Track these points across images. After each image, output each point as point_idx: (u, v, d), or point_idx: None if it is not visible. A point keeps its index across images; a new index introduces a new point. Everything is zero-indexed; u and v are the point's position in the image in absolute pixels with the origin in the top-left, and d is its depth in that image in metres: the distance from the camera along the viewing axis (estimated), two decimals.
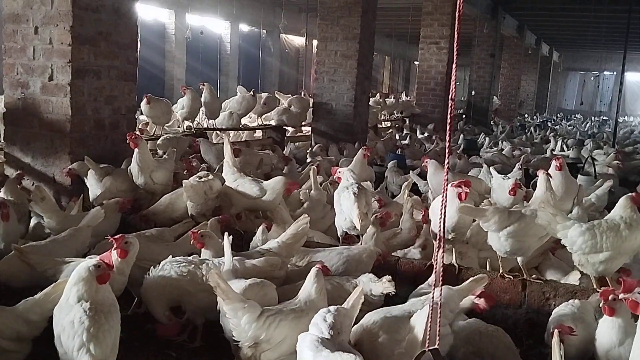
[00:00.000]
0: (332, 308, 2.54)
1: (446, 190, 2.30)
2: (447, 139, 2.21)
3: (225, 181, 4.71)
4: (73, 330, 2.45)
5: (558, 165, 4.80)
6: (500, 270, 3.64)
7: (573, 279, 3.75)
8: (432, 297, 2.40)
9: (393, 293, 3.12)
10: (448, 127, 2.08)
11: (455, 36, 1.99)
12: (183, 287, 3.20)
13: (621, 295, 2.65)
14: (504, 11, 17.78)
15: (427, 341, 2.40)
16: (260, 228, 4.00)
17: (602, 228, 3.24)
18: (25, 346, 2.75)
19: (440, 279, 2.36)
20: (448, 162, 2.28)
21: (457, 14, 1.91)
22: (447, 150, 2.41)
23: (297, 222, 3.66)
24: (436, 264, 2.02)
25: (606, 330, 2.80)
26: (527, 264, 3.74)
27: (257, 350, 2.64)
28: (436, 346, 2.37)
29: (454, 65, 1.99)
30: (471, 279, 3.05)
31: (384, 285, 3.14)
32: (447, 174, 2.21)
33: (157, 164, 4.96)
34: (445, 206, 2.29)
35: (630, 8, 11.29)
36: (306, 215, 3.77)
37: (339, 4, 9.04)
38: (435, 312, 2.35)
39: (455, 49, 2.04)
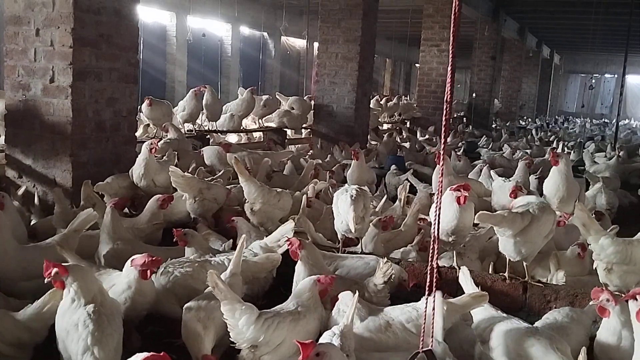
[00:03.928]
0: (336, 330, 2.46)
1: (441, 193, 2.30)
2: (442, 143, 2.21)
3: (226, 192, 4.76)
4: (77, 334, 2.45)
5: (555, 159, 4.65)
6: (506, 274, 3.60)
7: (559, 277, 3.78)
8: (427, 300, 2.40)
9: (394, 275, 3.08)
10: (443, 129, 2.09)
11: (452, 39, 1.99)
12: (190, 286, 3.20)
13: (632, 307, 2.61)
14: (505, 14, 17.79)
15: (421, 342, 2.40)
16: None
17: (634, 243, 3.31)
18: (25, 353, 2.73)
19: (435, 282, 2.34)
20: (442, 166, 2.28)
21: (452, 17, 1.91)
22: (442, 153, 2.42)
23: (284, 227, 3.63)
24: (429, 264, 2.03)
25: (605, 332, 2.79)
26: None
27: (256, 354, 2.62)
28: (430, 348, 2.38)
29: (449, 68, 2.00)
30: (471, 294, 2.92)
31: (382, 271, 3.05)
32: (442, 176, 2.22)
33: (160, 166, 5.02)
34: (439, 210, 2.29)
35: (631, 11, 11.29)
36: (292, 220, 3.75)
37: (340, 6, 9.05)
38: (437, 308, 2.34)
39: (451, 52, 2.05)
